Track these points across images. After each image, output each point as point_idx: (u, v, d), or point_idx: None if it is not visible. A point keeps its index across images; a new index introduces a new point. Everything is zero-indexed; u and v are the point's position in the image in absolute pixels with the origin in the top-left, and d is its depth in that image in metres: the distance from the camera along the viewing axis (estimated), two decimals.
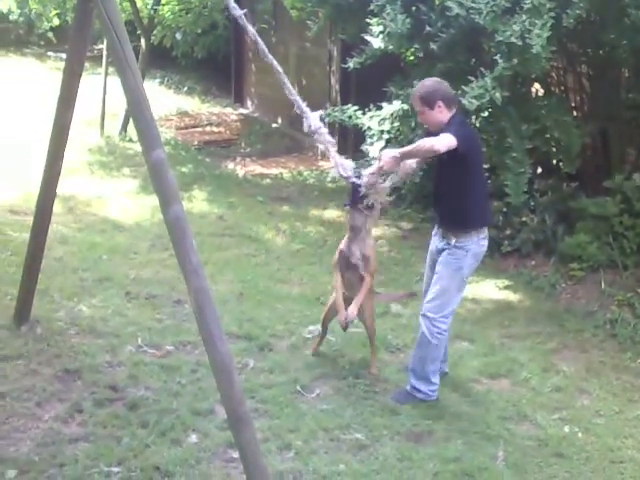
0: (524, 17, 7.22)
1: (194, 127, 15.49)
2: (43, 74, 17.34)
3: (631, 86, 9.26)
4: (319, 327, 6.85)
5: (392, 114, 9.25)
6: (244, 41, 16.63)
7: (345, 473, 4.99)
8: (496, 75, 7.39)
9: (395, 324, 7.19)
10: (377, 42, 8.51)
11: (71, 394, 5.59)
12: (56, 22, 15.08)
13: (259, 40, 5.56)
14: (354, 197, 5.84)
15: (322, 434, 5.39)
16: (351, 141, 11.66)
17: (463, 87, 7.42)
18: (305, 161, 13.41)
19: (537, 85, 9.47)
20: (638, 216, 8.40)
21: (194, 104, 17.09)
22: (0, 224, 8.84)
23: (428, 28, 8.06)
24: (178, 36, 14.93)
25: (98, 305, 7.08)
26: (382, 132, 9.28)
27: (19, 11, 15.14)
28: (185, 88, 18.05)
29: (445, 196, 5.85)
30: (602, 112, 9.16)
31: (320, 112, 6.00)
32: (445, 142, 5.42)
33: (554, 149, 9.16)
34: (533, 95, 9.37)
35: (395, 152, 5.57)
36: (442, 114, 5.71)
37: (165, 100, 16.38)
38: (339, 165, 5.91)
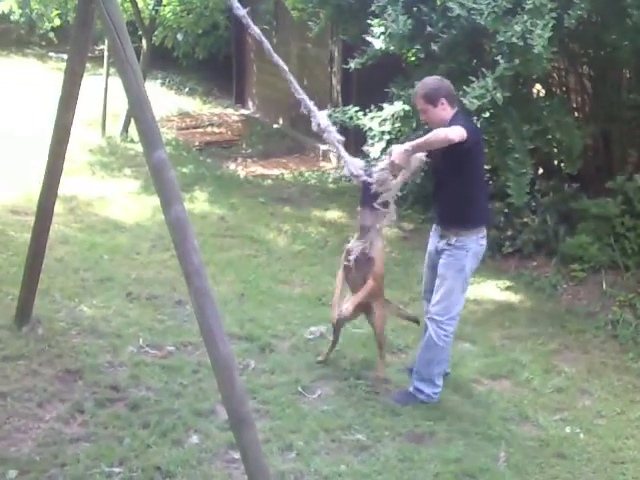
0: (525, 17, 7.22)
1: (195, 128, 15.51)
2: (44, 75, 17.36)
3: (632, 87, 9.27)
4: (320, 328, 6.87)
5: (393, 115, 9.25)
6: (245, 42, 16.66)
7: (346, 474, 4.98)
8: (497, 75, 7.39)
9: (396, 324, 7.19)
10: (378, 43, 8.51)
11: (72, 394, 5.58)
12: (57, 22, 15.08)
13: (264, 40, 5.54)
14: (364, 196, 5.79)
15: (323, 435, 5.38)
16: (352, 142, 11.64)
17: (464, 87, 7.42)
18: (306, 162, 13.41)
19: (538, 86, 9.47)
20: (639, 217, 8.40)
21: (195, 105, 17.11)
22: (1, 224, 8.84)
23: (429, 29, 8.06)
24: (179, 37, 14.95)
25: (99, 305, 7.08)
26: (383, 133, 9.28)
27: (20, 11, 15.14)
28: (186, 89, 18.07)
29: (446, 193, 5.82)
30: (603, 113, 9.17)
31: (327, 111, 5.96)
32: (458, 132, 5.44)
33: (555, 150, 9.17)
34: (534, 96, 9.37)
35: (406, 146, 5.53)
36: (445, 111, 5.72)
37: (166, 101, 16.39)
38: (349, 164, 5.82)
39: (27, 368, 5.84)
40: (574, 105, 9.63)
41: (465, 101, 7.23)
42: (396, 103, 9.19)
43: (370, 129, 9.35)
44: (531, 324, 7.70)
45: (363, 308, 6.18)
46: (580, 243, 8.50)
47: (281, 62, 5.66)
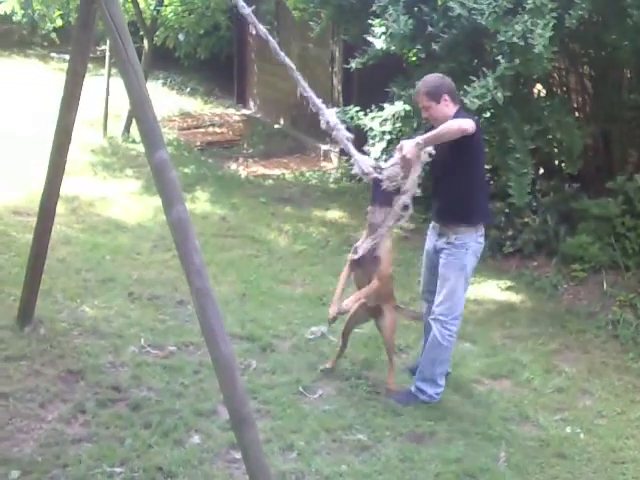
0: (526, 17, 7.23)
1: (197, 128, 15.52)
2: (46, 75, 17.38)
3: (633, 87, 9.28)
4: (322, 328, 6.88)
5: (394, 115, 9.25)
6: (247, 42, 16.67)
7: (347, 474, 4.99)
8: (498, 75, 7.40)
9: (397, 324, 7.19)
10: (379, 43, 8.51)
11: (74, 395, 5.59)
12: (59, 23, 15.08)
13: (270, 38, 5.53)
14: (375, 193, 5.77)
15: (324, 435, 5.40)
16: (353, 142, 11.65)
17: (465, 87, 7.43)
18: (307, 162, 13.42)
19: (539, 86, 9.48)
20: None
21: (197, 105, 17.12)
22: (4, 225, 8.86)
23: (430, 29, 8.07)
24: (181, 37, 14.94)
25: (101, 306, 7.09)
26: (384, 133, 9.28)
27: (22, 12, 15.14)
28: (188, 89, 18.07)
29: (448, 188, 5.79)
30: (604, 113, 9.18)
31: (335, 109, 5.94)
32: (469, 124, 5.48)
33: (556, 150, 9.18)
34: (535, 96, 9.38)
35: (417, 139, 5.51)
36: (448, 108, 5.74)
37: (168, 101, 16.40)
38: (359, 161, 5.76)
39: (29, 368, 5.85)
40: (575, 105, 9.64)
41: (466, 100, 7.24)
42: (397, 103, 9.19)
43: (371, 129, 9.35)
44: (532, 324, 7.71)
45: (373, 312, 6.13)
46: (581, 243, 8.51)
47: (288, 60, 5.64)
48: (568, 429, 5.87)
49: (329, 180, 12.26)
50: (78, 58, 5.79)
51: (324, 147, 13.41)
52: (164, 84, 18.16)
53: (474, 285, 8.24)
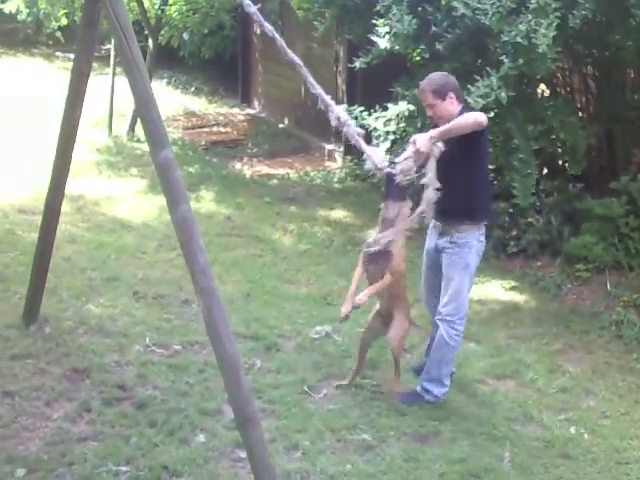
0: (530, 17, 7.23)
1: (201, 127, 15.52)
2: (51, 74, 17.39)
3: (636, 87, 9.29)
4: (326, 327, 6.89)
5: (398, 115, 9.26)
6: (251, 41, 16.66)
7: (352, 473, 5.00)
8: (502, 75, 7.40)
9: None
10: (383, 42, 8.52)
11: (80, 393, 5.61)
12: (64, 22, 15.09)
13: (277, 36, 5.53)
14: (389, 187, 5.69)
15: (329, 434, 5.40)
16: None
17: (469, 86, 7.43)
18: (312, 161, 13.42)
19: (543, 86, 9.48)
20: None
21: (201, 104, 17.12)
22: (9, 223, 8.88)
23: (434, 28, 8.07)
24: (185, 36, 14.94)
25: (106, 304, 7.11)
26: (388, 133, 9.30)
27: (27, 11, 15.16)
28: (192, 88, 18.07)
29: (452, 186, 5.67)
30: (607, 113, 9.18)
31: (345, 105, 5.91)
32: (484, 117, 5.53)
33: (560, 150, 9.18)
34: (539, 96, 9.38)
35: (431, 133, 5.49)
36: (453, 105, 5.75)
37: (172, 100, 16.40)
38: (371, 157, 5.71)
39: (35, 367, 5.88)
40: (578, 105, 9.64)
41: (470, 100, 7.24)
42: (401, 103, 9.21)
43: (375, 129, 9.37)
44: (536, 324, 7.71)
45: (384, 320, 6.03)
46: (584, 243, 8.51)
47: (295, 57, 5.64)
48: (572, 429, 5.88)
49: (333, 180, 12.27)
50: (83, 57, 5.80)
51: (328, 147, 13.42)
52: (169, 83, 18.16)
53: (478, 285, 8.24)
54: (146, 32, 13.65)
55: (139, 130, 12.34)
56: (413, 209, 5.68)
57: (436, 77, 5.90)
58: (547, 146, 8.81)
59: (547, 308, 8.09)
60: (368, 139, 9.33)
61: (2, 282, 7.28)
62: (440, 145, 5.48)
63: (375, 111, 9.41)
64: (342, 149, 12.93)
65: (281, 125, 15.20)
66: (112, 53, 12.93)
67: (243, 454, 4.75)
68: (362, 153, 5.83)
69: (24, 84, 15.86)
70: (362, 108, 9.64)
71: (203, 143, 14.16)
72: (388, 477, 5.03)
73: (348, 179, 12.15)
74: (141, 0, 13.13)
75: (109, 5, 4.66)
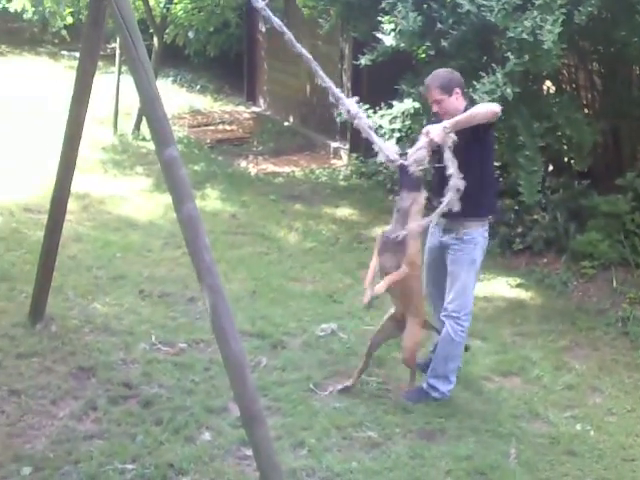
0: (535, 13, 7.22)
1: (207, 125, 15.53)
2: (57, 73, 17.41)
3: None
4: (332, 325, 6.89)
5: (403, 112, 9.26)
6: (256, 39, 16.67)
7: (358, 470, 5.00)
8: (507, 71, 7.40)
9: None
10: (388, 40, 8.51)
11: (85, 392, 5.62)
12: (69, 20, 15.11)
13: (286, 30, 5.52)
14: (403, 179, 5.64)
15: (335, 432, 5.40)
16: (363, 140, 11.64)
17: (474, 83, 7.43)
18: (317, 159, 13.42)
19: (548, 83, 9.46)
20: None
21: (206, 102, 17.13)
22: (15, 222, 8.89)
23: (439, 25, 8.05)
24: (191, 34, 14.94)
25: (112, 303, 7.12)
26: (393, 131, 9.29)
27: (33, 9, 15.19)
28: (198, 86, 18.08)
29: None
30: (613, 110, 9.15)
31: (356, 97, 5.90)
32: (498, 107, 5.55)
33: (565, 147, 9.16)
34: (544, 93, 9.36)
35: (444, 124, 5.46)
36: (459, 101, 5.77)
37: (178, 98, 16.42)
38: (384, 149, 5.69)
39: (41, 365, 5.89)
40: (584, 102, 9.62)
41: (475, 96, 7.22)
42: (406, 101, 9.20)
43: (380, 127, 9.36)
44: (541, 321, 7.70)
45: (401, 326, 5.96)
46: (590, 240, 8.50)
47: (304, 51, 5.62)
48: (578, 426, 5.87)
49: (339, 177, 12.26)
50: (88, 56, 5.80)
51: (334, 144, 13.41)
52: (174, 82, 18.17)
53: (484, 282, 8.25)
54: (151, 30, 13.65)
55: (144, 128, 12.35)
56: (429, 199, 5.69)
57: (442, 73, 5.92)
58: (553, 143, 8.79)
59: (553, 305, 8.08)
60: None
61: (8, 281, 7.29)
62: (453, 136, 5.45)
63: (380, 109, 9.40)
64: (347, 147, 12.92)
65: (286, 123, 15.19)
66: (117, 52, 12.96)
67: (249, 452, 4.75)
68: (371, 148, 5.81)
69: (30, 83, 15.89)
70: (367, 106, 9.62)
71: (208, 141, 14.17)
72: (394, 474, 5.02)
73: (353, 177, 12.15)
74: None
75: (114, 3, 4.66)
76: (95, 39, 5.76)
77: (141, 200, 10.29)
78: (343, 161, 12.98)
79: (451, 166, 5.41)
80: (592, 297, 8.20)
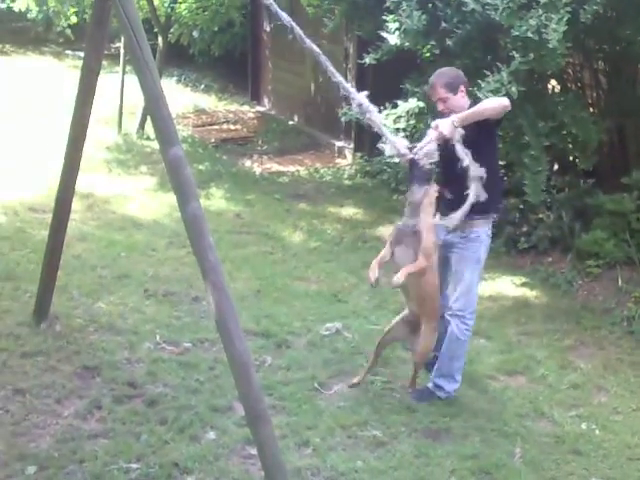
0: (540, 12, 7.21)
1: (211, 125, 15.51)
2: (61, 72, 17.41)
3: None
4: (336, 324, 6.88)
5: (408, 112, 9.25)
6: (261, 39, 16.66)
7: (363, 470, 5.00)
8: (512, 70, 7.39)
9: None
10: (393, 39, 8.51)
11: (90, 391, 5.62)
12: (74, 20, 15.11)
13: (294, 25, 5.51)
14: (414, 173, 5.62)
15: (340, 431, 5.40)
16: (367, 139, 11.66)
17: (479, 81, 7.42)
18: (322, 158, 13.41)
19: (553, 82, 9.45)
20: None
21: (211, 102, 17.12)
22: (20, 222, 8.89)
23: (444, 24, 8.05)
24: (195, 34, 14.95)
25: (116, 302, 7.12)
26: (398, 130, 9.26)
27: (37, 9, 15.20)
28: (202, 86, 18.07)
29: (465, 179, 5.54)
30: (618, 108, 9.14)
31: (366, 92, 5.90)
32: (507, 100, 5.57)
33: (570, 145, 9.14)
34: (549, 92, 9.35)
35: (453, 118, 5.46)
36: (464, 99, 5.79)
37: (182, 98, 16.41)
38: (395, 143, 5.72)
39: (45, 364, 5.89)
40: (589, 101, 9.61)
41: (480, 95, 7.20)
42: (411, 100, 9.19)
43: (385, 126, 9.32)
44: (547, 320, 7.69)
45: (412, 328, 5.89)
46: (595, 239, 8.48)
47: (314, 46, 5.62)
48: (583, 425, 5.87)
49: (343, 176, 12.25)
50: (93, 55, 5.81)
51: (338, 144, 13.40)
52: (178, 81, 18.16)
53: (489, 281, 8.25)
54: (156, 30, 13.64)
55: (149, 128, 12.35)
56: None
57: (447, 71, 5.95)
58: (558, 142, 8.77)
59: (558, 304, 8.07)
60: (378, 136, 9.36)
61: (12, 280, 7.29)
62: (461, 130, 5.46)
63: (385, 108, 9.39)
64: (352, 146, 12.92)
65: (291, 122, 15.19)
66: (122, 51, 12.94)
67: (254, 451, 4.76)
68: (376, 147, 5.80)
69: (34, 82, 15.89)
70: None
71: (213, 140, 14.16)
72: (399, 473, 5.02)
73: (358, 176, 12.14)
74: None
75: (119, 3, 4.66)
76: (99, 38, 5.76)
77: (145, 199, 10.29)
78: (348, 160, 12.97)
79: (465, 157, 5.43)
80: (597, 296, 8.19)
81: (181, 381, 5.85)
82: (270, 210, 10.50)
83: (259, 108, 16.69)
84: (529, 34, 7.21)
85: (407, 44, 8.48)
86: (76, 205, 7.29)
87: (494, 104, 5.62)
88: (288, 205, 10.77)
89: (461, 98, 5.77)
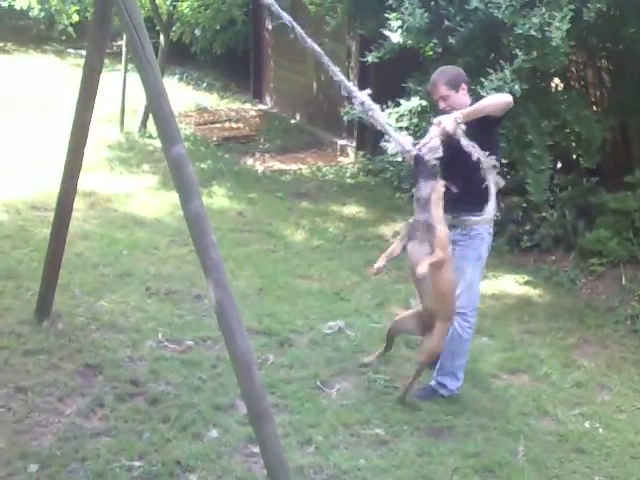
0: (543, 10, 7.20)
1: (213, 123, 15.50)
2: (63, 71, 17.41)
3: None
4: (339, 323, 6.87)
5: (411, 110, 9.22)
6: (263, 37, 16.65)
7: (365, 468, 5.00)
8: (515, 68, 7.38)
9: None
10: (396, 37, 8.49)
11: (92, 389, 5.62)
12: (76, 18, 15.11)
13: (295, 25, 5.51)
14: (419, 168, 5.57)
15: (342, 429, 5.40)
16: (370, 138, 11.65)
17: (482, 79, 7.40)
18: (324, 157, 13.40)
19: (556, 80, 9.43)
20: None
21: (213, 100, 17.11)
22: (22, 220, 8.89)
23: (447, 22, 8.04)
24: (197, 32, 14.92)
25: (119, 300, 7.11)
26: (400, 129, 9.23)
27: (39, 7, 15.18)
28: (204, 84, 18.05)
29: (467, 176, 5.60)
30: (622, 107, 9.12)
31: (368, 90, 5.89)
32: (510, 96, 5.62)
33: (574, 144, 9.12)
34: (553, 90, 9.33)
35: (456, 114, 5.46)
36: (465, 97, 5.79)
37: (184, 96, 16.40)
38: (399, 140, 5.73)
39: (47, 363, 5.88)
40: (592, 99, 9.59)
41: (483, 93, 7.19)
42: (413, 99, 9.17)
43: (387, 125, 9.31)
44: (550, 319, 7.68)
45: (424, 324, 5.76)
46: (599, 237, 8.47)
47: (315, 46, 5.61)
48: (587, 424, 5.85)
49: (346, 175, 12.24)
50: (95, 54, 5.80)
51: (341, 142, 13.39)
52: (180, 79, 18.14)
53: (492, 280, 8.24)
54: (158, 28, 13.64)
55: (151, 126, 12.35)
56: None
57: (448, 69, 5.97)
58: (561, 141, 8.75)
59: (561, 303, 8.06)
60: (380, 135, 9.34)
61: (15, 278, 7.29)
62: (463, 126, 5.46)
63: (387, 107, 9.37)
64: (354, 144, 12.91)
65: (293, 120, 15.17)
66: (124, 49, 12.94)
67: (256, 449, 4.74)
68: (378, 145, 5.79)
69: (36, 81, 15.88)
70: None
71: (215, 139, 14.15)
72: (401, 472, 5.01)
73: (360, 174, 12.13)
74: None
75: (121, 1, 4.66)
76: (101, 37, 5.75)
77: (148, 198, 10.28)
78: (350, 159, 12.96)
79: (473, 151, 5.44)
80: (601, 295, 8.18)
81: (183, 379, 5.84)
82: (272, 208, 10.49)
83: (261, 106, 16.68)
84: (532, 32, 7.20)
85: (410, 42, 8.47)
86: (78, 203, 7.29)
87: (497, 100, 5.64)
88: (290, 203, 10.77)
89: (462, 96, 5.78)
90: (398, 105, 9.32)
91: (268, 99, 16.77)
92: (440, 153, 5.49)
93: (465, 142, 5.45)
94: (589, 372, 6.68)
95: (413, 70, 9.41)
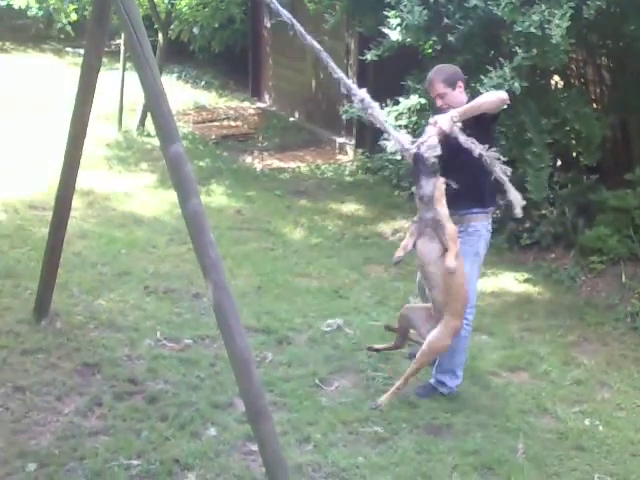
0: (543, 7, 7.19)
1: (212, 121, 15.51)
2: (61, 70, 17.39)
3: None
4: (337, 320, 6.86)
5: (409, 108, 9.21)
6: (261, 35, 16.65)
7: (364, 466, 4.98)
8: (515, 65, 7.37)
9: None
10: (394, 35, 8.47)
11: (91, 388, 5.61)
12: (74, 17, 15.10)
13: (295, 22, 5.50)
14: (419, 167, 5.56)
15: (341, 427, 5.38)
16: (369, 136, 11.64)
17: (481, 77, 7.39)
18: (323, 155, 13.40)
19: (556, 77, 9.42)
20: None
21: (211, 98, 17.11)
22: (20, 219, 8.89)
23: (446, 20, 8.03)
24: (195, 30, 14.91)
25: (117, 299, 7.10)
26: (399, 127, 9.22)
27: (38, 6, 15.18)
28: (202, 82, 18.05)
29: (467, 172, 5.59)
30: (622, 104, 9.10)
31: (365, 88, 5.89)
32: (505, 94, 5.61)
33: (574, 141, 9.11)
34: (552, 87, 9.32)
35: (451, 113, 5.47)
36: (462, 94, 5.80)
37: (182, 94, 16.40)
38: (398, 138, 5.72)
39: (46, 362, 5.87)
40: (592, 97, 9.58)
41: (482, 91, 7.17)
42: (412, 97, 9.16)
43: (387, 122, 9.30)
44: (550, 316, 7.68)
45: (434, 320, 5.70)
46: (599, 235, 8.46)
47: (315, 43, 5.61)
48: (587, 421, 5.84)
49: (344, 173, 12.24)
50: (93, 52, 5.79)
51: (339, 140, 13.39)
52: (179, 78, 18.15)
53: (491, 277, 8.24)
54: (156, 27, 13.64)
55: (149, 125, 12.36)
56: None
57: (445, 67, 5.98)
58: (561, 138, 8.74)
59: (561, 300, 8.05)
60: (379, 132, 9.33)
61: (13, 277, 7.28)
62: (459, 125, 5.47)
63: (386, 105, 9.35)
64: (353, 142, 12.90)
65: (292, 118, 15.18)
66: (122, 48, 12.94)
67: (254, 447, 4.74)
68: (377, 143, 5.78)
69: (34, 80, 15.87)
70: None
71: (213, 137, 14.15)
72: (400, 469, 5.00)
73: (359, 172, 12.13)
74: None
75: (119, 0, 4.64)
76: (100, 35, 5.74)
77: (146, 196, 10.28)
78: (349, 156, 12.96)
79: (473, 147, 5.43)
80: (601, 292, 8.17)
81: (182, 378, 5.84)
82: (271, 206, 10.49)
83: (260, 104, 16.68)
84: (532, 30, 7.19)
85: (409, 40, 8.45)
86: (76, 202, 7.28)
87: (492, 97, 5.63)
88: (289, 201, 10.76)
89: (459, 94, 5.78)
90: (397, 103, 9.31)
91: (267, 97, 16.78)
92: (439, 151, 5.49)
93: (463, 139, 5.45)
94: (589, 370, 6.67)
95: (412, 68, 9.40)
